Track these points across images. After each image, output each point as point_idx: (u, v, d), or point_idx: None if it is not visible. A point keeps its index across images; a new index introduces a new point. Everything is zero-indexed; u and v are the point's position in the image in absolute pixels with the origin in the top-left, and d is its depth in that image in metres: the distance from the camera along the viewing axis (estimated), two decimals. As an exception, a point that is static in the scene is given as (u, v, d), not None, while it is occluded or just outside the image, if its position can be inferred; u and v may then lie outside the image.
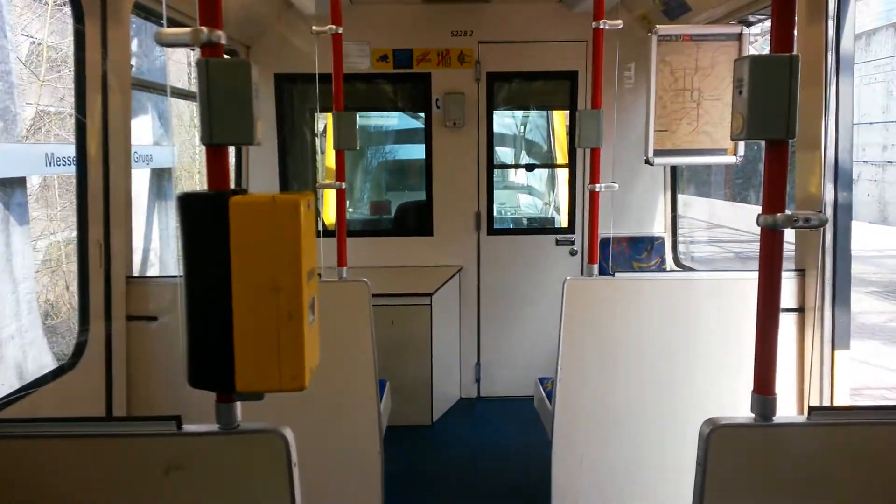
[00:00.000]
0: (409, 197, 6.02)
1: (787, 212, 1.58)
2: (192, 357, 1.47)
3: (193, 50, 4.60)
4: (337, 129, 3.31)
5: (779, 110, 1.55)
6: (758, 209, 1.62)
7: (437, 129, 5.41)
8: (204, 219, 1.43)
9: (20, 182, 5.26)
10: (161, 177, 7.25)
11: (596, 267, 3.42)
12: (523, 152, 8.11)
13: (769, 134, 1.58)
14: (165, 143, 7.43)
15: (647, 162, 3.41)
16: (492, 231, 5.56)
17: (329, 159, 7.61)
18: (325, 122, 7.31)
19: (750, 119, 1.57)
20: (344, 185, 3.36)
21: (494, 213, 5.62)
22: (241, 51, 5.26)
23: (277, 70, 5.30)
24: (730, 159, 3.40)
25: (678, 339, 3.28)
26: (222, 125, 1.46)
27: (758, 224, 1.62)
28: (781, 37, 1.58)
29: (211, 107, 1.45)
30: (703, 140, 3.41)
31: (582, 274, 5.56)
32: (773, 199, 1.61)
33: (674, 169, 5.44)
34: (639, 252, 5.43)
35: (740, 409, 1.84)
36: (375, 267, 5.45)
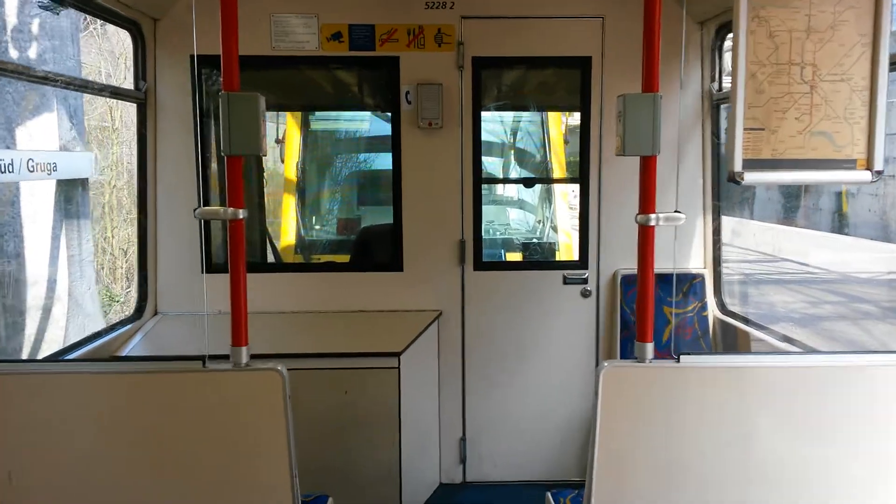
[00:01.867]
0: (382, 216, 4.70)
1: None
2: None
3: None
4: (228, 122, 2.00)
5: None
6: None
7: (409, 130, 4.11)
8: None
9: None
10: (72, 189, 5.88)
11: (650, 346, 2.16)
12: (513, 162, 6.86)
13: None
14: (79, 147, 6.06)
15: (732, 179, 2.14)
16: (480, 265, 4.25)
17: (288, 171, 6.31)
18: (284, 124, 6.04)
19: None
20: (242, 215, 2.05)
21: (483, 239, 4.33)
22: (146, 25, 3.95)
23: (196, 51, 3.98)
24: (862, 175, 2.13)
25: (778, 453, 2.17)
26: None
27: None
28: None
29: None
30: (819, 145, 2.15)
31: (598, 328, 4.28)
32: None
33: (716, 181, 4.18)
34: (670, 294, 4.15)
35: None
36: (327, 312, 4.16)
